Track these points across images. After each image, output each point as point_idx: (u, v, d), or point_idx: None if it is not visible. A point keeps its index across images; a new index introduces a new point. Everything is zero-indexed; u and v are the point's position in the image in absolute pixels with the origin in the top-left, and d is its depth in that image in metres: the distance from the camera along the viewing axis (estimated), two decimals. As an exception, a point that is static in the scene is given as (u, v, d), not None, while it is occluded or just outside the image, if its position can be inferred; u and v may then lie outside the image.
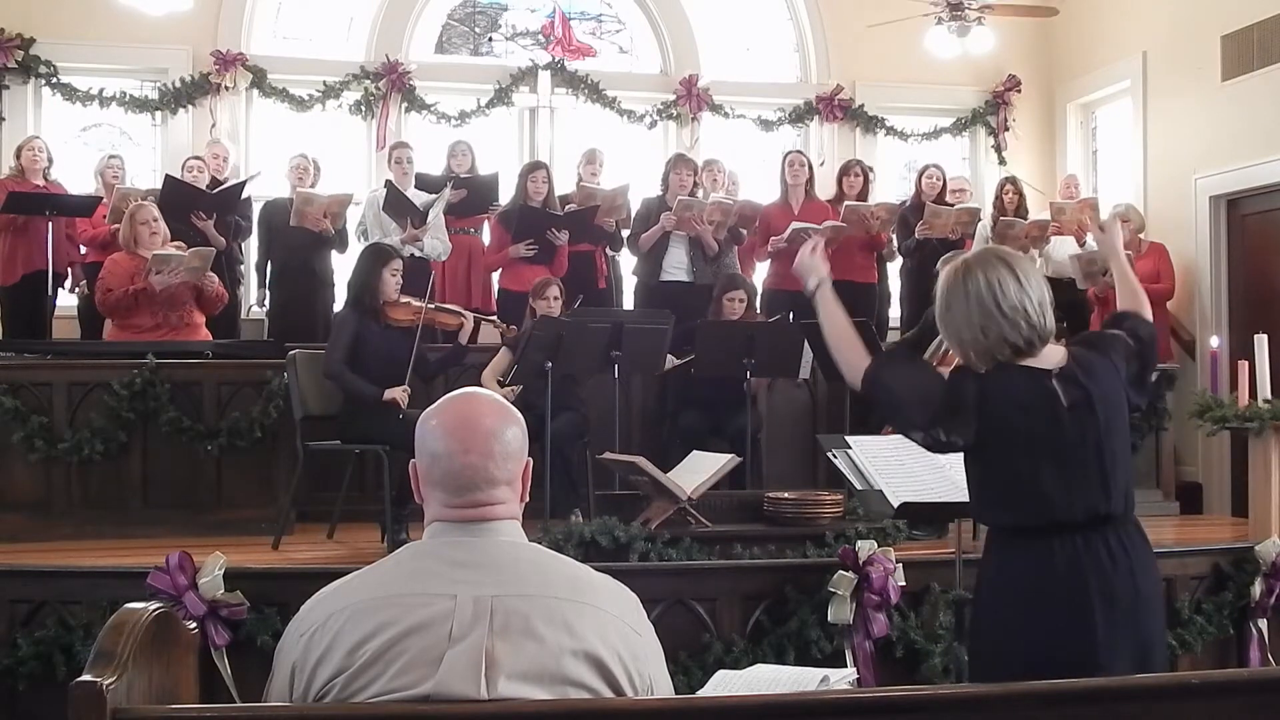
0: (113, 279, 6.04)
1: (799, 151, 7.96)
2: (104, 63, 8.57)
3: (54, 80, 8.44)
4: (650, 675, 1.91)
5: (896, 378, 2.74)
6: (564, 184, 7.70)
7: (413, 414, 4.70)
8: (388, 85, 8.86)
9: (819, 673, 2.46)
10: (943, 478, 3.68)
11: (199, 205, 7.13)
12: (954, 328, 2.67)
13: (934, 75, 9.40)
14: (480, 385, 5.19)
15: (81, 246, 7.47)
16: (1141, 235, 7.85)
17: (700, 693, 2.74)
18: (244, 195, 7.55)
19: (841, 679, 2.44)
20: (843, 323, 2.88)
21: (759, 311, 6.91)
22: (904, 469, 3.78)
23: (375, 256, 5.48)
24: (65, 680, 3.39)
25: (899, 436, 4.21)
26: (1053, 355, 2.65)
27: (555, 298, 6.03)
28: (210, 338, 6.22)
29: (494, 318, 6.20)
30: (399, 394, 5.14)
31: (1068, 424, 2.59)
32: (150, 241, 6.14)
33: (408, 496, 3.40)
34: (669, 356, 6.03)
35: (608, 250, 7.67)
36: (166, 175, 7.39)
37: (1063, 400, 2.59)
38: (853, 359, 2.79)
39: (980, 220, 7.98)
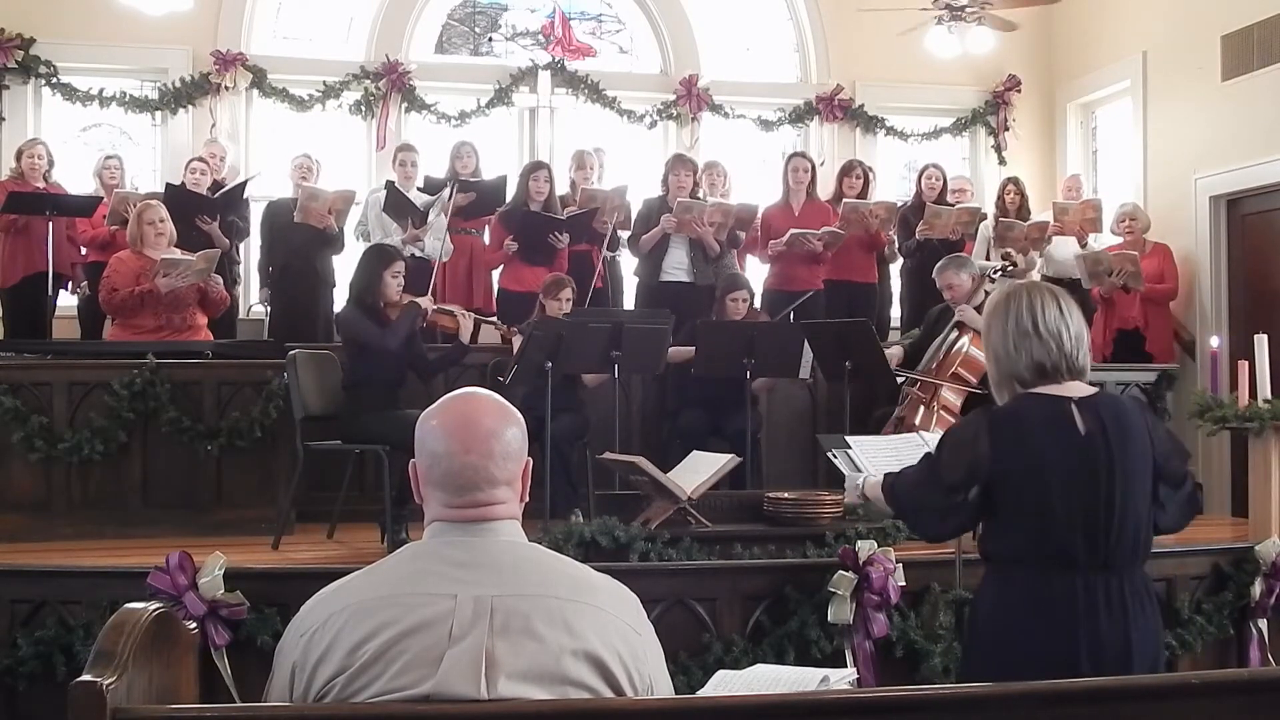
0: (118, 279, 6.04)
1: (802, 154, 7.95)
2: (104, 63, 8.58)
3: (54, 80, 8.45)
4: (650, 675, 1.91)
5: (902, 481, 2.87)
6: (564, 184, 7.70)
7: (413, 414, 4.71)
8: (388, 85, 8.87)
9: (819, 673, 2.46)
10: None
11: (202, 209, 7.14)
12: (992, 344, 2.75)
13: (934, 75, 9.40)
14: (481, 385, 5.21)
15: (82, 248, 7.47)
16: (1146, 235, 7.86)
17: (700, 693, 2.73)
18: (244, 195, 7.56)
19: (841, 679, 2.43)
20: (875, 483, 3.08)
21: (759, 310, 6.91)
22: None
23: (377, 258, 5.50)
24: (65, 680, 3.39)
25: (899, 436, 4.22)
26: (1080, 390, 2.67)
27: (567, 298, 6.03)
28: (212, 339, 6.22)
29: (494, 319, 6.21)
30: (425, 301, 5.57)
31: (1080, 451, 2.58)
32: (156, 241, 6.14)
33: (408, 496, 3.41)
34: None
35: (604, 250, 7.66)
36: (167, 184, 7.40)
37: (1079, 427, 2.59)
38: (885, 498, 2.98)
39: (984, 220, 7.98)
